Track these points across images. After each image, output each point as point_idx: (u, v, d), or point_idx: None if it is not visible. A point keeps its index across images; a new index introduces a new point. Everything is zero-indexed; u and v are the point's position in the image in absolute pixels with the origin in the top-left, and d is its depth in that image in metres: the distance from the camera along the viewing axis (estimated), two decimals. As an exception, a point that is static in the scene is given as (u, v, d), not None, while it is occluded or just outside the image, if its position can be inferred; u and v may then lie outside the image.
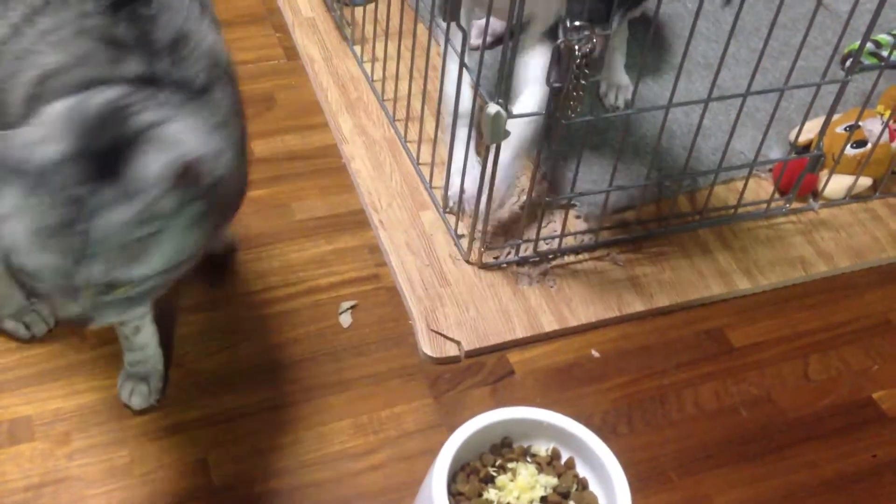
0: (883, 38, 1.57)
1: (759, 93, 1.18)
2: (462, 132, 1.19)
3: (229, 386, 1.07)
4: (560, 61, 0.99)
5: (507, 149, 1.12)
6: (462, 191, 1.23)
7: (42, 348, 1.08)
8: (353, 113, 1.43)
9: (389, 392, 1.08)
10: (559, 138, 1.11)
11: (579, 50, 0.97)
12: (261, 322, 1.14)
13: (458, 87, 1.13)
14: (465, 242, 1.23)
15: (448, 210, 1.27)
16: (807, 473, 1.05)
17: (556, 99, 1.02)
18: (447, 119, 1.21)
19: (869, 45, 1.56)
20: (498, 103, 1.03)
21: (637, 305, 1.20)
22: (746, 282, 1.25)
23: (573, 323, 1.17)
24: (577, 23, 0.96)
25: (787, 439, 1.09)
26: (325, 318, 1.15)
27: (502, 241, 1.24)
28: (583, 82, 0.99)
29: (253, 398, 1.06)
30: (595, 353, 1.16)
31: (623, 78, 1.48)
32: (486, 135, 1.06)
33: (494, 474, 0.90)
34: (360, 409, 1.06)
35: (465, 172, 1.20)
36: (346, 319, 1.16)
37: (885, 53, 1.54)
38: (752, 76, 1.15)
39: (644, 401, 1.11)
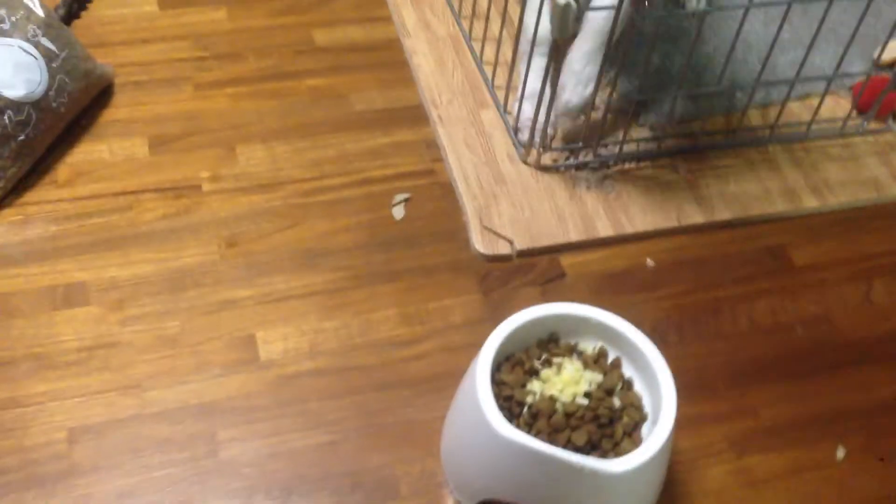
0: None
1: (844, -2, 1.12)
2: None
3: (281, 267, 1.07)
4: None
5: (580, 46, 1.08)
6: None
7: (100, 219, 1.09)
8: (418, 7, 1.40)
9: (438, 285, 1.08)
10: (629, 39, 1.06)
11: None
12: (314, 208, 1.14)
13: None
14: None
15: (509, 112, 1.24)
16: (858, 394, 1.03)
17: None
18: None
19: (969, -37, 1.46)
20: (569, -6, 1.00)
21: (697, 217, 1.17)
22: (814, 200, 1.20)
23: (629, 230, 1.15)
24: None
25: (842, 359, 1.06)
26: (377, 209, 1.15)
27: (563, 143, 1.21)
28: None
29: (303, 280, 1.06)
30: (650, 262, 1.13)
31: (706, -17, 1.42)
32: (553, 27, 1.02)
33: (539, 367, 0.89)
34: (408, 299, 1.06)
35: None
36: (398, 212, 1.15)
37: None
38: (840, -20, 1.09)
39: (697, 312, 1.09)
